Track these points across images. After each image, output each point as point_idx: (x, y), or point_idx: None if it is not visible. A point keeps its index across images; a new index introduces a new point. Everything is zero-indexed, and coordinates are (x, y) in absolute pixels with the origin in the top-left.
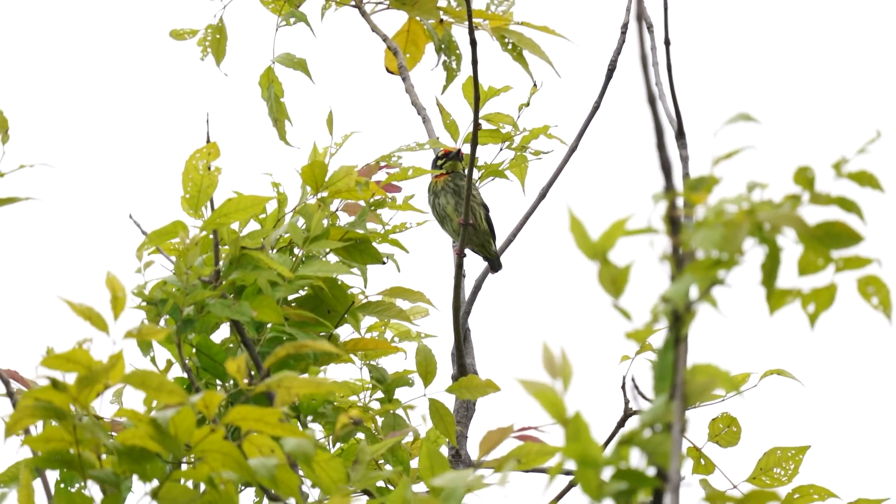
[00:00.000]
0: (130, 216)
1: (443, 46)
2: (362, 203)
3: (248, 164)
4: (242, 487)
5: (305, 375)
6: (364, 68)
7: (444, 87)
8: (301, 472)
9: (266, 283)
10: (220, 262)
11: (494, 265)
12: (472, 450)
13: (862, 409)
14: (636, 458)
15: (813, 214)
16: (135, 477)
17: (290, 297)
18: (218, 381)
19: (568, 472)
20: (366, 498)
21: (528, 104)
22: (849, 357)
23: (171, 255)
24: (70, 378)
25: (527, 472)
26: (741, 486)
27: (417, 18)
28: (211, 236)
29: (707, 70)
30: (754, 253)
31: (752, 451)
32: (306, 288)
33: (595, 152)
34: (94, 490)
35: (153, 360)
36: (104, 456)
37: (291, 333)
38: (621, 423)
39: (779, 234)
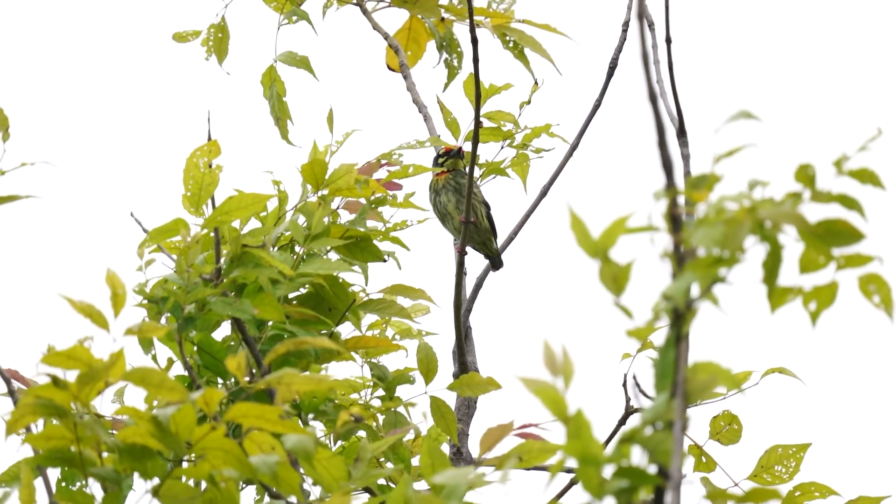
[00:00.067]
0: (132, 214)
1: (444, 44)
2: (363, 201)
3: (249, 162)
4: (243, 485)
5: (307, 373)
6: (365, 66)
7: (446, 85)
8: (302, 470)
9: (267, 280)
10: (222, 260)
11: (496, 263)
12: (474, 448)
13: (863, 407)
14: (637, 456)
15: (814, 212)
16: (136, 475)
17: (292, 295)
18: (219, 379)
19: (569, 470)
20: (367, 496)
21: (529, 102)
22: (850, 355)
23: (172, 254)
24: (71, 376)
25: (528, 469)
26: (742, 483)
27: (419, 16)
28: (212, 234)
29: (708, 68)
30: (755, 251)
31: (753, 448)
32: (307, 286)
33: (596, 150)
34: (95, 488)
35: (154, 358)
36: (105, 454)
37: (292, 331)
38: (622, 421)
39: (780, 231)
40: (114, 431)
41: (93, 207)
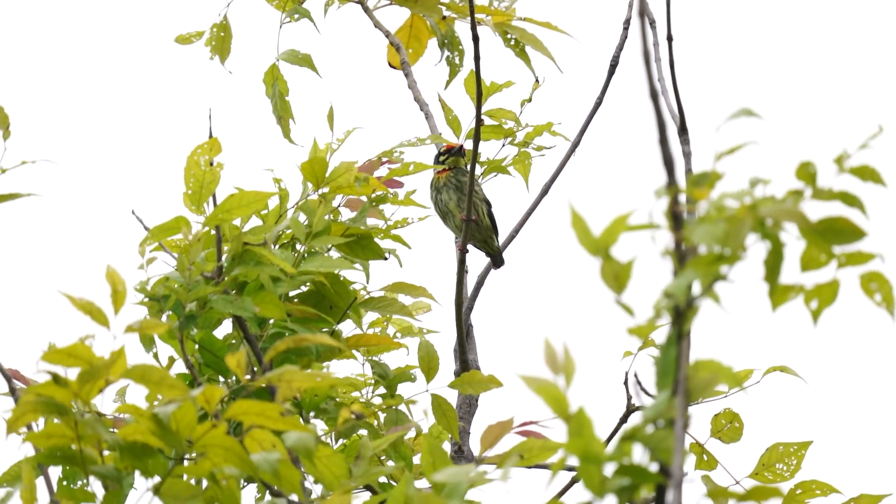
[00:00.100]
0: (133, 212)
1: (446, 42)
2: (364, 199)
3: (251, 160)
4: (245, 484)
5: (308, 371)
6: (367, 64)
7: (447, 83)
8: (303, 468)
9: (268, 278)
10: (223, 258)
11: (497, 261)
12: (475, 446)
13: (864, 406)
14: (639, 454)
15: (815, 210)
16: (137, 473)
17: (293, 293)
18: (220, 377)
19: (570, 468)
20: (368, 494)
21: (530, 100)
22: (851, 354)
23: (173, 252)
24: (72, 374)
25: (529, 468)
26: (744, 481)
27: (420, 14)
28: (213, 232)
29: (709, 66)
30: (756, 248)
31: (754, 447)
32: (308, 284)
33: (598, 148)
34: (96, 486)
35: (156, 356)
36: (106, 452)
37: (294, 329)
38: (624, 420)
39: (781, 229)
40: (114, 430)
41: (94, 206)
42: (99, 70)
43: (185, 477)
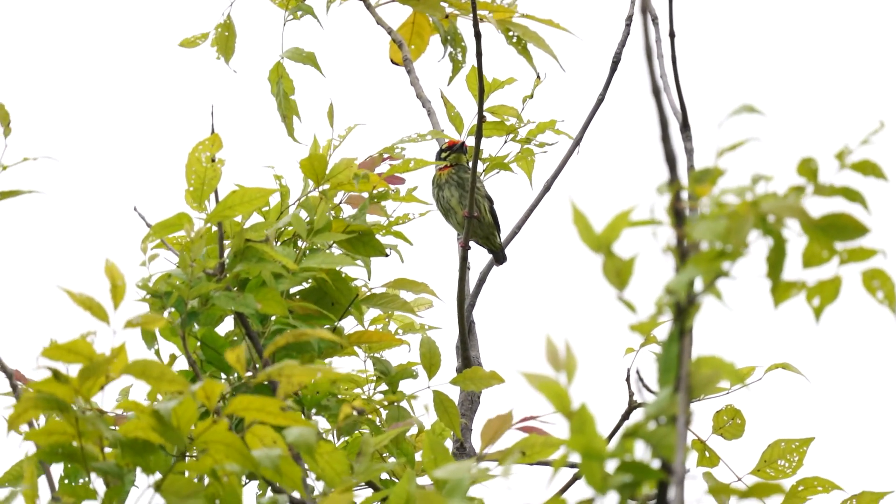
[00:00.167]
0: (135, 209)
1: (448, 39)
2: (366, 195)
3: (253, 158)
4: (246, 481)
5: (308, 365)
6: (369, 61)
7: (450, 79)
8: (305, 465)
9: (270, 275)
10: (225, 255)
11: (499, 258)
12: (477, 442)
13: (866, 403)
14: (641, 451)
15: (817, 206)
16: (138, 470)
17: (294, 290)
18: (222, 374)
19: (572, 465)
20: (370, 490)
21: (531, 96)
22: (853, 350)
23: (175, 249)
24: (73, 371)
25: (531, 465)
26: (745, 478)
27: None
28: (215, 229)
29: (712, 62)
30: (758, 245)
31: (756, 443)
32: (310, 280)
33: (600, 145)
34: (97, 483)
35: (157, 353)
36: (107, 449)
37: (295, 326)
38: (626, 416)
39: (783, 226)
40: (115, 427)
41: (96, 203)
42: (102, 67)
43: (186, 473)
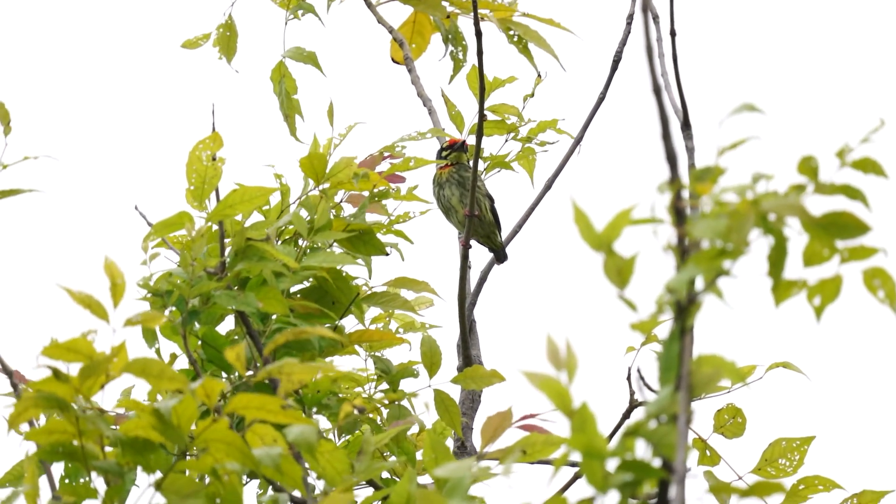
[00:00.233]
0: (136, 208)
1: (449, 37)
2: (366, 194)
3: (254, 157)
4: (247, 480)
5: (308, 363)
6: (370, 60)
7: (451, 78)
8: (306, 464)
9: (271, 274)
10: (226, 254)
11: (500, 256)
12: (478, 441)
13: (867, 401)
14: (642, 450)
15: (818, 204)
16: (139, 469)
17: (295, 289)
18: (223, 373)
19: (573, 464)
20: (370, 489)
21: (532, 95)
22: (854, 349)
23: (176, 248)
24: (73, 370)
25: (532, 463)
26: (746, 477)
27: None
28: (216, 227)
29: (712, 61)
30: (759, 244)
31: (757, 442)
32: (311, 279)
33: (601, 144)
34: (98, 483)
35: (158, 352)
36: (108, 448)
37: (296, 325)
38: (627, 415)
39: (784, 224)
40: (116, 426)
41: (96, 202)
42: (103, 67)
43: (187, 472)
